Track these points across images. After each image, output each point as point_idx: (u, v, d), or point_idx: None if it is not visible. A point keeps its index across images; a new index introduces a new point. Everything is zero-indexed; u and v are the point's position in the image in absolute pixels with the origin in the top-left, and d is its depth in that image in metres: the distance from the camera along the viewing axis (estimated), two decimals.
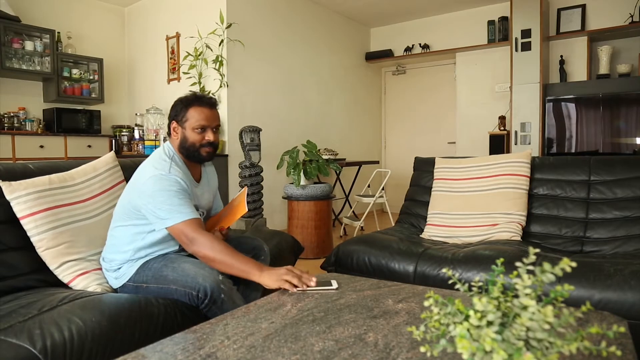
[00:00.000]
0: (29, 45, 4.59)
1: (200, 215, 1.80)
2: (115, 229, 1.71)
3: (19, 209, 1.65)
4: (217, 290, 1.52)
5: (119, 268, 1.67)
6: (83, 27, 5.25)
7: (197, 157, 1.74)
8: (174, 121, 1.73)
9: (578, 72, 5.09)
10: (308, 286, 1.43)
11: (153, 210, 1.58)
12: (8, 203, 1.66)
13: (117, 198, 1.96)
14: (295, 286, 1.42)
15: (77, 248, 1.71)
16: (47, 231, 1.66)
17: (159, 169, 1.62)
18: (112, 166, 2.03)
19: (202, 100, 1.73)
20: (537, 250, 0.79)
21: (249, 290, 1.81)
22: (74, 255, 1.69)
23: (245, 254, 1.82)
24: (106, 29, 5.51)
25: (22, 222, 1.65)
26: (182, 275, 1.56)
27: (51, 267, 1.66)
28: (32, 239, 1.65)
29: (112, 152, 2.12)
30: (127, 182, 2.05)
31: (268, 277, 1.47)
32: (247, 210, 1.82)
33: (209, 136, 1.72)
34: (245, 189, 1.92)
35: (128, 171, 2.23)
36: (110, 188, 1.96)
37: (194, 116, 1.69)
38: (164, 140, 4.53)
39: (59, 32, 4.85)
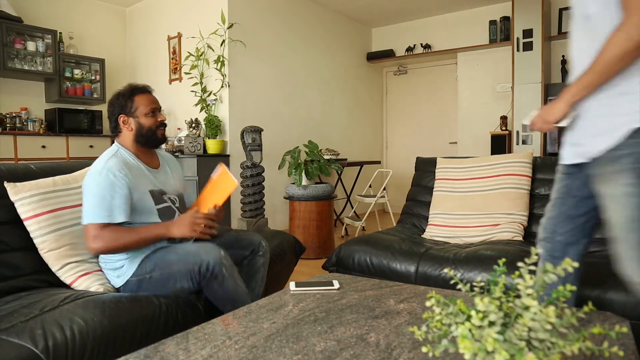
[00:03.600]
0: (31, 46, 4.60)
1: (172, 201, 1.81)
2: None
3: (23, 210, 1.66)
4: (219, 265, 1.57)
5: (121, 266, 1.67)
6: (85, 28, 5.25)
7: (155, 139, 1.79)
8: (122, 115, 1.75)
9: None
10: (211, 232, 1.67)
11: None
12: (11, 204, 1.67)
13: None
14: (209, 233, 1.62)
15: (79, 250, 1.71)
16: (50, 233, 1.67)
17: (94, 166, 1.66)
18: None
19: (141, 88, 1.80)
20: (539, 250, 0.79)
21: (252, 284, 1.83)
22: (76, 257, 1.70)
23: (243, 250, 1.86)
24: (108, 30, 5.51)
25: (25, 223, 1.66)
26: (185, 254, 1.61)
27: (53, 269, 1.66)
28: (35, 241, 1.66)
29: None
30: None
31: (177, 229, 1.63)
32: (236, 183, 1.80)
33: (160, 117, 1.80)
34: (222, 165, 1.88)
35: None
36: None
37: (142, 103, 1.75)
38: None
39: (60, 33, 4.86)
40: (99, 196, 1.58)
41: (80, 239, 1.73)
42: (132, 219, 1.66)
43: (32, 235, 1.66)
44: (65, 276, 1.66)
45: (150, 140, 1.78)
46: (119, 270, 1.68)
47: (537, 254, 0.78)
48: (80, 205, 1.79)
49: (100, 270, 1.73)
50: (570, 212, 1.42)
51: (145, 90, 1.80)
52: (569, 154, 1.38)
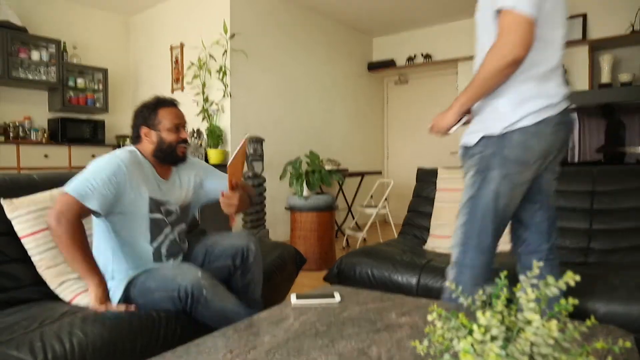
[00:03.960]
0: (35, 55, 4.64)
1: (169, 212, 1.74)
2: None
3: (20, 228, 1.64)
4: (197, 288, 1.49)
5: (110, 287, 1.62)
6: (88, 37, 5.29)
7: (173, 157, 1.74)
8: (144, 126, 1.71)
9: (580, 81, 5.09)
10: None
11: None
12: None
13: None
14: None
15: None
16: (47, 250, 1.65)
17: (107, 154, 1.63)
18: None
19: (168, 102, 1.75)
20: (541, 263, 0.78)
21: (250, 293, 1.79)
22: (75, 273, 1.67)
23: (230, 261, 1.76)
24: (111, 39, 5.56)
25: (23, 241, 1.64)
26: (162, 281, 1.55)
27: (52, 286, 1.64)
28: (32, 258, 1.64)
29: None
30: None
31: (92, 291, 1.51)
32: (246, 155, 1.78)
33: (183, 134, 1.75)
34: (245, 140, 1.80)
35: None
36: None
37: (166, 117, 1.71)
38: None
39: (64, 42, 4.90)
40: (92, 173, 1.53)
41: None
42: (119, 220, 1.61)
43: (29, 253, 1.64)
44: (63, 294, 1.64)
45: (168, 157, 1.73)
46: (110, 290, 1.63)
47: (538, 267, 0.78)
48: None
49: None
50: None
51: (171, 104, 1.76)
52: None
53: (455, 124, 1.51)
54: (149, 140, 1.71)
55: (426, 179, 2.90)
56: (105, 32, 5.50)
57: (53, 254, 1.66)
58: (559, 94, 1.42)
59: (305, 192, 3.94)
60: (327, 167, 4.47)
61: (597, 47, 4.97)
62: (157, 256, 1.70)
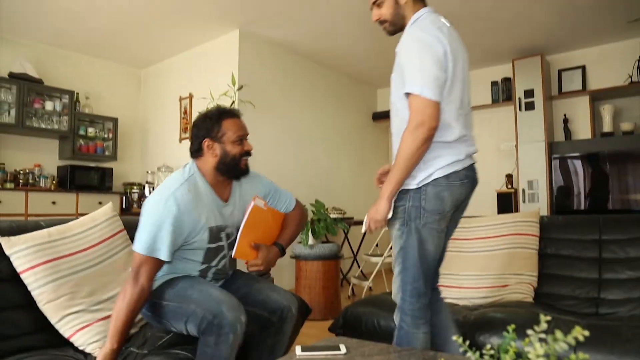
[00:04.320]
0: (49, 105, 4.79)
1: (228, 236, 1.72)
2: None
3: (19, 263, 1.65)
4: (233, 327, 1.45)
5: None
6: (101, 88, 5.47)
7: (237, 170, 1.69)
8: (207, 139, 1.65)
9: (582, 130, 5.17)
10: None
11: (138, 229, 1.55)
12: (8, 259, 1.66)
13: (118, 246, 1.96)
14: None
15: (78, 300, 1.68)
16: (47, 284, 1.64)
17: (162, 190, 1.58)
18: (110, 216, 2.03)
19: (231, 113, 1.71)
20: (549, 317, 0.77)
21: (276, 351, 1.74)
22: (75, 307, 1.66)
23: (269, 315, 1.72)
24: (123, 90, 5.74)
25: (22, 276, 1.64)
26: (207, 297, 1.51)
27: (52, 321, 1.63)
28: (32, 293, 1.63)
29: (110, 203, 2.12)
30: (127, 232, 2.06)
31: (102, 355, 1.46)
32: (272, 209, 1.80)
33: (247, 146, 1.71)
34: (254, 200, 1.73)
35: (135, 230, 2.24)
36: (110, 237, 1.96)
37: (231, 129, 1.66)
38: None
39: (78, 93, 5.06)
40: (154, 224, 1.51)
41: (79, 287, 1.70)
42: (176, 252, 1.60)
43: (29, 288, 1.63)
44: (63, 329, 1.62)
45: (232, 170, 1.67)
46: None
47: (547, 321, 0.77)
48: (77, 252, 1.79)
49: (102, 319, 1.67)
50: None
51: (234, 114, 1.71)
52: None
53: (389, 212, 1.59)
54: (212, 153, 1.65)
55: None
56: (118, 83, 5.69)
57: (53, 287, 1.65)
58: (464, 152, 1.62)
59: (311, 240, 3.93)
60: (333, 215, 4.47)
61: (597, 97, 5.07)
62: (202, 275, 1.69)
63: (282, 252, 1.86)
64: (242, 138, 1.69)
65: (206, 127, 1.66)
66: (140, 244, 1.52)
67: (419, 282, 1.61)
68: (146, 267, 1.51)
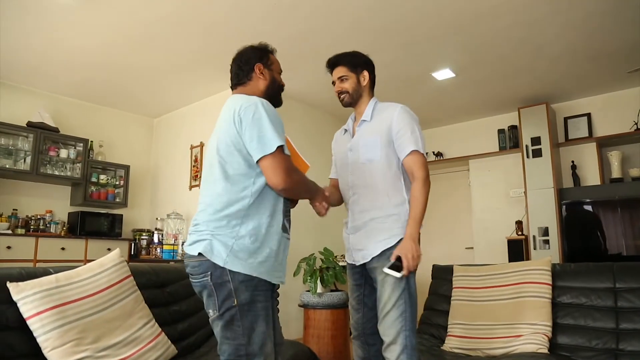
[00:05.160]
0: (63, 153, 4.90)
1: None
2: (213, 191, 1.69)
3: (26, 309, 1.64)
4: None
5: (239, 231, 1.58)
6: (114, 136, 5.61)
7: (279, 100, 1.76)
8: (259, 64, 1.69)
9: (591, 176, 5.15)
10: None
11: (256, 135, 1.50)
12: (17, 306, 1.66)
13: (125, 292, 1.96)
14: None
15: (84, 346, 1.66)
16: (53, 330, 1.63)
17: (248, 99, 1.55)
18: (118, 262, 2.04)
19: (274, 50, 1.80)
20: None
21: None
22: (81, 353, 1.64)
23: None
24: (135, 138, 5.88)
25: (28, 322, 1.63)
26: (259, 344, 1.46)
27: None
28: (38, 340, 1.61)
29: (118, 249, 2.14)
30: (134, 277, 2.07)
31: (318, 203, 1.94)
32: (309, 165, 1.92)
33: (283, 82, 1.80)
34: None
35: (144, 277, 2.24)
36: (118, 282, 1.96)
37: (276, 62, 1.76)
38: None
39: (92, 141, 5.19)
40: (273, 121, 1.53)
41: (86, 332, 1.69)
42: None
43: (35, 334, 1.62)
44: None
45: (275, 97, 1.73)
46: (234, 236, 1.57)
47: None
48: (85, 297, 1.78)
49: None
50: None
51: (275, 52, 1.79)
52: (358, 257, 2.00)
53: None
54: (263, 78, 1.70)
55: (442, 276, 2.85)
56: (131, 132, 5.83)
57: (60, 332, 1.63)
58: None
59: (319, 289, 3.87)
60: (342, 263, 4.42)
61: (603, 144, 5.09)
62: (284, 229, 1.74)
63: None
64: (280, 73, 1.79)
65: (257, 54, 1.72)
66: (274, 140, 1.51)
67: (416, 320, 1.82)
68: (285, 162, 1.56)
